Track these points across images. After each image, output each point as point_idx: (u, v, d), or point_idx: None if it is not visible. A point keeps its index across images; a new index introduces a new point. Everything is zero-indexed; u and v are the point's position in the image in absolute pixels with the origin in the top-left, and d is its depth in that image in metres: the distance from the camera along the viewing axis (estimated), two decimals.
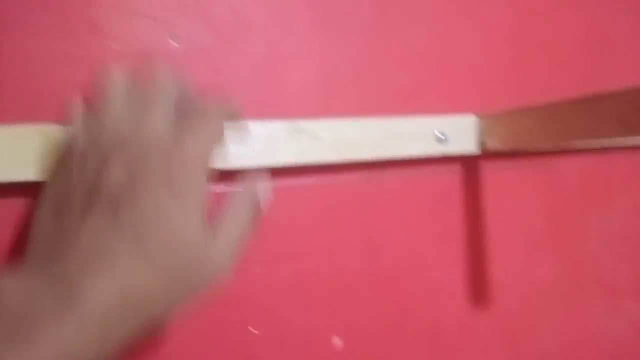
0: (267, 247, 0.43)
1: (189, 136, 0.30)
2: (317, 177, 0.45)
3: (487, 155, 0.48)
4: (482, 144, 0.48)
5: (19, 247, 0.36)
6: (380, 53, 0.48)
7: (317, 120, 0.43)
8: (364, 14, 0.47)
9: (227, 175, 0.41)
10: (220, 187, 0.41)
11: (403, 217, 0.48)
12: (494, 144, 0.47)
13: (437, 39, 0.49)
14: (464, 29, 0.50)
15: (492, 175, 0.50)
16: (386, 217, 0.47)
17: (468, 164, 0.49)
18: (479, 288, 0.50)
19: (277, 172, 0.43)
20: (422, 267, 0.48)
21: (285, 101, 0.44)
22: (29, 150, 0.34)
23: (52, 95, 0.37)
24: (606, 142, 0.51)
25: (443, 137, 0.47)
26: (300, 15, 0.45)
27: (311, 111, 0.44)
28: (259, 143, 0.41)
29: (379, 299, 0.47)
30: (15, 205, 0.36)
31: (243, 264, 0.41)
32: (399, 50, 0.48)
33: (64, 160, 0.31)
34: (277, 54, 0.44)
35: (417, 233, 0.48)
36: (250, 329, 0.43)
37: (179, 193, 0.28)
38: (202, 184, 0.31)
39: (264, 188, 0.40)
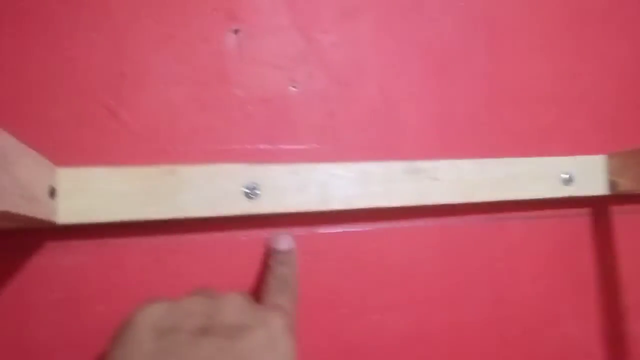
0: (384, 293, 0.41)
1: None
2: (436, 219, 0.43)
3: (618, 196, 0.45)
4: (612, 184, 0.44)
5: (151, 284, 0.37)
6: (498, 95, 0.46)
7: (435, 160, 0.42)
8: (480, 57, 0.46)
9: (347, 216, 0.41)
10: (338, 228, 0.41)
11: (529, 262, 0.45)
12: (626, 184, 0.44)
13: (557, 78, 0.48)
14: (586, 68, 0.48)
15: (624, 218, 0.46)
16: (510, 262, 0.44)
17: (597, 206, 0.46)
18: (617, 346, 0.45)
19: (395, 214, 0.42)
20: (552, 319, 0.44)
21: (402, 142, 0.43)
22: (160, 189, 0.36)
23: (181, 137, 0.39)
24: None
25: (569, 178, 0.44)
26: (414, 60, 0.45)
27: (429, 152, 0.43)
28: (376, 184, 0.40)
29: (504, 354, 0.43)
30: (144, 243, 0.37)
31: (359, 312, 0.40)
32: (518, 91, 0.47)
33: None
34: (392, 97, 0.44)
35: (544, 280, 0.44)
36: None
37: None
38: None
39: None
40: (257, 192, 0.38)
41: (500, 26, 0.48)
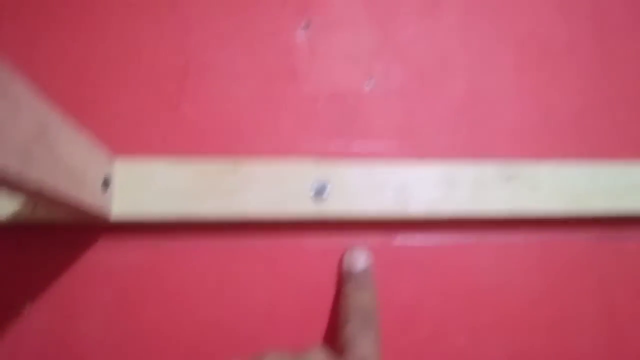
0: (471, 315, 0.35)
1: None
2: (536, 234, 0.37)
3: None
4: None
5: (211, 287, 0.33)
6: (608, 90, 0.39)
7: (534, 164, 0.36)
8: (586, 50, 0.40)
9: (429, 225, 0.35)
10: (418, 239, 0.36)
11: None
12: None
13: None
14: None
15: None
16: (629, 289, 0.36)
17: None
18: None
19: (485, 225, 0.36)
20: None
21: (494, 143, 0.38)
22: (220, 186, 0.32)
23: (245, 134, 0.35)
24: None
25: None
26: (509, 54, 0.40)
27: (526, 154, 0.37)
28: (464, 188, 0.34)
29: None
30: (202, 246, 0.34)
31: (442, 335, 0.34)
32: (632, 87, 0.40)
33: None
34: (482, 94, 0.39)
35: None
36: None
37: None
38: None
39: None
40: (326, 193, 0.33)
41: (610, 15, 0.41)
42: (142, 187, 0.32)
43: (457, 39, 0.40)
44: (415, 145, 0.37)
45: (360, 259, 0.34)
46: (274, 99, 0.37)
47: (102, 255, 0.33)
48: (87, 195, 0.27)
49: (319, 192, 0.33)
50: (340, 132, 0.37)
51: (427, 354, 0.34)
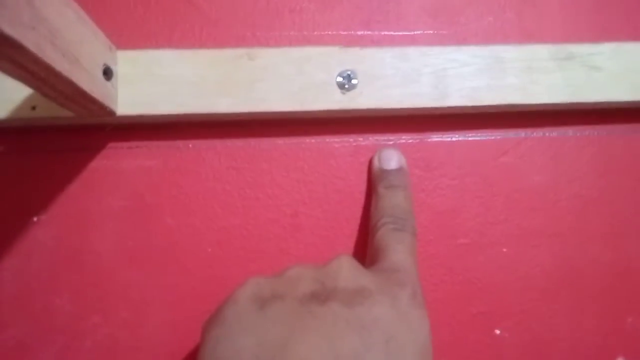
0: (518, 221, 0.32)
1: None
2: (593, 127, 0.32)
3: None
4: None
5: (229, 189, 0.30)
6: None
7: (594, 43, 0.31)
8: None
9: (470, 118, 0.31)
10: (458, 135, 0.32)
11: None
12: None
13: None
14: None
15: None
16: None
17: None
18: None
19: (535, 117, 0.32)
20: None
21: (547, 25, 0.33)
22: (236, 77, 0.29)
23: (262, 21, 0.32)
24: None
25: None
26: None
27: (584, 35, 0.32)
28: (513, 74, 0.30)
29: None
30: (218, 146, 0.31)
31: (484, 243, 0.31)
32: None
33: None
34: None
35: None
36: (497, 331, 0.31)
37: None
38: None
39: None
40: (354, 82, 0.29)
41: None
42: (149, 79, 0.29)
43: None
44: (454, 31, 0.33)
45: (393, 156, 0.30)
46: None
47: (111, 159, 0.30)
48: (85, 80, 0.24)
49: (346, 81, 0.29)
50: (368, 18, 0.32)
51: (467, 264, 0.31)
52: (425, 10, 0.33)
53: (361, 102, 0.29)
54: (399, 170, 0.30)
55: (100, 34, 0.26)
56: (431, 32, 0.32)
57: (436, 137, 0.32)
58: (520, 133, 0.32)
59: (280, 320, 0.21)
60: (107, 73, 0.27)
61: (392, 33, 0.32)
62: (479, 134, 0.32)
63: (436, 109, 0.30)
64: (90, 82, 0.24)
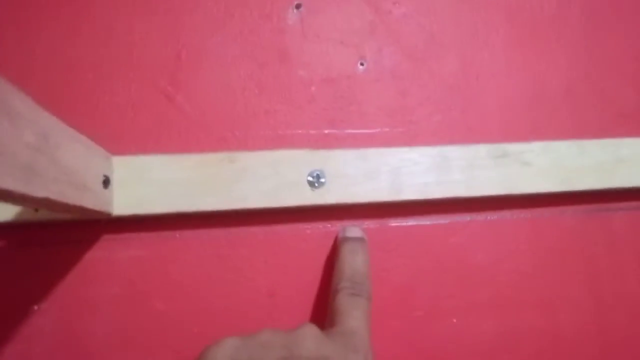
0: (464, 293, 0.36)
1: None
2: (527, 211, 0.38)
3: None
4: None
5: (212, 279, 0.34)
6: (599, 66, 0.40)
7: (525, 143, 0.36)
8: (576, 24, 0.40)
9: (422, 207, 0.36)
10: (412, 220, 0.37)
11: (636, 261, 0.38)
12: None
13: None
14: None
15: None
16: (614, 260, 0.38)
17: None
18: None
19: (477, 204, 0.37)
20: None
21: (486, 123, 0.38)
22: (218, 178, 0.33)
23: (240, 122, 0.36)
24: None
25: None
26: (498, 29, 0.40)
27: (517, 134, 0.38)
28: (457, 171, 0.35)
29: None
30: (203, 236, 0.35)
31: (436, 314, 0.35)
32: (622, 62, 0.40)
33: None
34: (473, 72, 0.39)
35: None
36: None
37: None
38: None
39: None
40: (322, 180, 0.34)
41: None
42: (141, 182, 0.32)
43: (448, 14, 0.40)
44: (407, 129, 0.37)
45: (356, 229, 0.35)
46: (268, 86, 0.37)
47: (105, 250, 0.34)
48: (90, 197, 0.27)
49: (315, 180, 0.34)
50: (333, 118, 0.37)
51: (420, 334, 0.36)
52: (382, 110, 0.38)
53: (329, 198, 0.34)
54: (361, 239, 0.34)
55: (98, 148, 0.30)
56: (388, 130, 0.37)
57: (394, 223, 0.37)
58: (466, 217, 0.37)
59: None
60: (106, 182, 0.30)
61: (354, 131, 0.37)
62: (430, 219, 0.37)
63: (392, 201, 0.35)
64: (93, 198, 0.28)
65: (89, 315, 0.33)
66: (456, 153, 0.36)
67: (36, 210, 0.31)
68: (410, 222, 0.37)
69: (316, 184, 0.34)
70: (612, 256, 0.38)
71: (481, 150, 0.36)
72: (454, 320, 0.36)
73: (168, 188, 0.32)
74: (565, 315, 0.37)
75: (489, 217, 0.37)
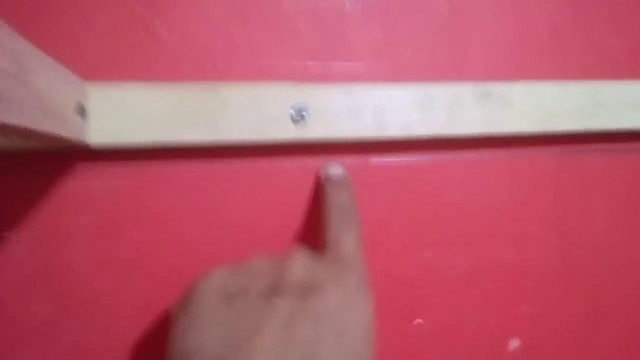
0: (439, 229, 0.38)
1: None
2: (506, 150, 0.38)
3: None
4: None
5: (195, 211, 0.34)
6: (584, 9, 0.39)
7: (508, 83, 0.36)
8: None
9: (404, 145, 0.36)
10: (393, 157, 0.37)
11: (604, 201, 0.40)
12: None
13: None
14: None
15: None
16: (584, 200, 0.39)
17: None
18: None
19: (458, 143, 0.37)
20: (622, 264, 0.40)
21: (471, 63, 0.38)
22: (200, 110, 0.32)
23: (222, 53, 0.34)
24: None
25: None
26: None
27: (501, 74, 0.38)
28: (441, 110, 0.35)
29: (568, 298, 0.39)
30: (183, 167, 0.34)
31: (410, 248, 0.36)
32: (608, 5, 0.40)
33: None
34: (461, 9, 0.38)
35: (619, 222, 0.40)
36: (418, 320, 0.38)
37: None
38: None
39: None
40: (305, 115, 0.33)
41: None
42: (119, 113, 0.31)
43: None
44: (393, 66, 0.37)
45: (337, 166, 0.35)
46: (252, 17, 0.35)
47: (81, 181, 0.33)
48: (65, 126, 0.26)
49: (298, 115, 0.33)
50: (319, 53, 0.36)
51: (394, 266, 0.37)
52: (368, 45, 0.36)
53: (311, 133, 0.34)
54: (343, 176, 0.35)
55: (72, 75, 0.28)
56: (373, 65, 0.36)
57: (375, 160, 0.37)
58: (446, 155, 0.38)
59: (245, 314, 0.24)
60: (81, 111, 0.29)
61: (338, 64, 0.36)
62: (411, 157, 0.37)
63: (376, 138, 0.35)
64: (68, 127, 0.27)
65: (63, 245, 0.33)
66: (440, 91, 0.35)
67: (10, 140, 0.30)
68: (392, 158, 0.37)
69: (299, 119, 0.33)
70: (582, 196, 0.39)
71: (465, 90, 0.36)
72: (428, 254, 0.38)
73: (147, 118, 0.31)
74: (533, 251, 0.39)
75: (468, 156, 0.38)
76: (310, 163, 0.36)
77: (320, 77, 0.36)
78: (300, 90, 0.33)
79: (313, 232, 0.35)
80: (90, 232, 0.33)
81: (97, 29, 0.33)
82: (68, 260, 0.33)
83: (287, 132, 0.33)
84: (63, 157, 0.32)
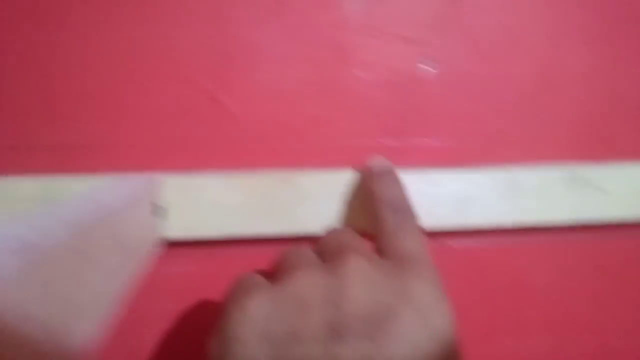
0: (521, 316, 0.35)
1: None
2: (594, 235, 0.35)
3: None
4: None
5: None
6: None
7: (600, 166, 0.34)
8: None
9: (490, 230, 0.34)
10: (474, 242, 0.35)
11: None
12: None
13: None
14: None
15: None
16: None
17: None
18: None
19: (544, 228, 0.35)
20: None
21: (560, 142, 0.35)
22: (275, 200, 0.31)
23: (293, 130, 0.33)
24: None
25: None
26: (579, 31, 0.35)
27: (593, 155, 0.35)
28: (529, 197, 0.33)
29: None
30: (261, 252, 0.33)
31: (489, 335, 0.34)
32: None
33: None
34: (552, 79, 0.35)
35: None
36: None
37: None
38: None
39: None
40: None
41: None
42: (194, 203, 0.30)
43: (527, 8, 0.35)
44: (476, 142, 0.34)
45: (380, 158, 0.31)
46: (324, 89, 0.33)
47: (157, 267, 0.32)
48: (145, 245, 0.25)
49: None
50: (395, 127, 0.34)
51: (475, 354, 0.35)
52: (449, 119, 0.34)
53: None
54: (389, 167, 0.30)
55: (145, 183, 0.27)
56: (454, 144, 0.34)
57: (454, 244, 0.35)
58: (529, 240, 0.35)
59: None
60: (158, 212, 0.28)
61: (418, 142, 0.34)
62: (491, 241, 0.35)
63: (457, 226, 0.33)
64: (146, 245, 0.26)
65: (139, 329, 0.32)
66: (527, 176, 0.33)
67: None
68: (471, 243, 0.35)
69: None
70: None
71: (554, 174, 0.33)
72: (509, 341, 0.36)
73: (222, 211, 0.31)
74: (620, 339, 0.36)
75: (554, 240, 0.35)
76: None
77: (398, 156, 0.34)
78: None
79: None
80: (166, 317, 0.33)
81: (167, 106, 0.32)
82: (143, 345, 0.33)
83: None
84: None
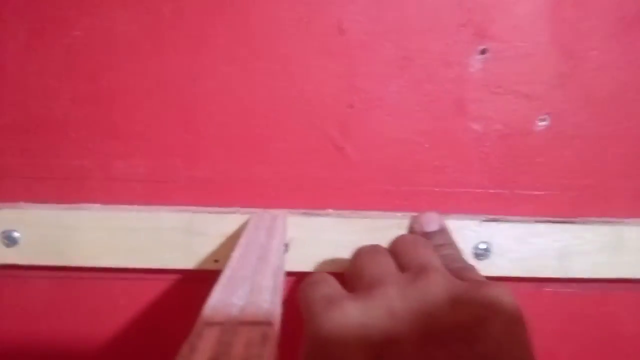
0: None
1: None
2: None
3: None
4: None
5: None
6: None
7: None
8: None
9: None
10: (568, 288, 0.36)
11: None
12: None
13: None
14: None
15: None
16: None
17: None
18: None
19: None
20: None
21: None
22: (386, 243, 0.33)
23: (408, 176, 0.35)
24: None
25: None
26: None
27: None
28: (632, 252, 0.34)
29: None
30: None
31: None
32: None
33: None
34: None
35: None
36: None
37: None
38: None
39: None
40: (488, 253, 0.34)
41: None
42: (314, 241, 0.33)
43: None
44: (582, 196, 0.35)
45: (433, 218, 0.32)
46: (440, 139, 0.35)
47: None
48: None
49: (481, 251, 0.34)
50: (505, 177, 0.35)
51: None
52: (559, 172, 0.35)
53: (494, 270, 0.34)
54: (441, 231, 0.32)
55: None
56: (559, 194, 0.35)
57: (548, 288, 0.36)
58: (622, 288, 0.36)
59: None
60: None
61: (525, 192, 0.35)
62: (585, 288, 0.36)
63: (558, 278, 0.34)
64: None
65: None
66: (631, 232, 0.34)
67: (216, 261, 0.33)
68: (565, 289, 0.36)
69: (482, 257, 0.34)
70: None
71: None
72: None
73: (339, 249, 0.33)
74: None
75: None
76: None
77: (505, 205, 0.35)
78: (484, 228, 0.34)
79: None
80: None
81: (292, 149, 0.35)
82: None
83: None
84: None
